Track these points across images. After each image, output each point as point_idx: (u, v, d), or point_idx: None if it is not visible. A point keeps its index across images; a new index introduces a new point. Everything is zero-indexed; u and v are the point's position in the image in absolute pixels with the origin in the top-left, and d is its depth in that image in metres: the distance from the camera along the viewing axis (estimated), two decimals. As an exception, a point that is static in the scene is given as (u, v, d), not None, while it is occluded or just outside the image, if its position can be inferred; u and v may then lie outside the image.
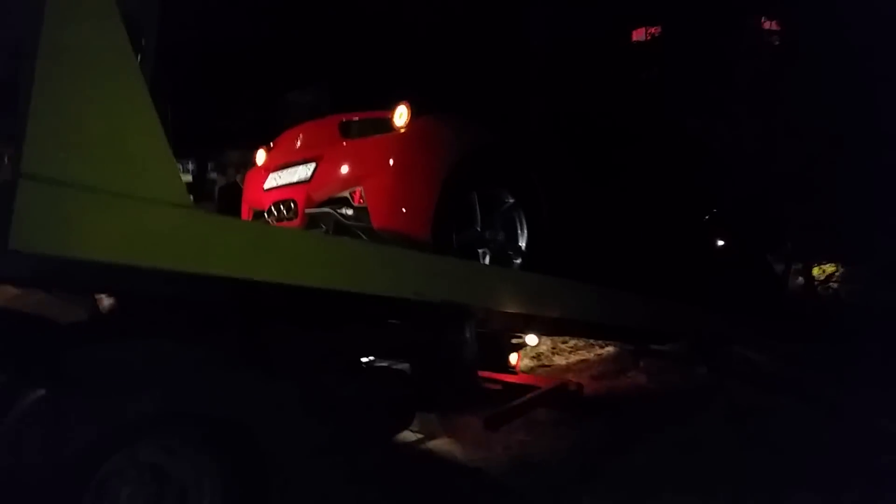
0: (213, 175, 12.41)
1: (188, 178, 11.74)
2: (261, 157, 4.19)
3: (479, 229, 3.62)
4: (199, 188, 11.40)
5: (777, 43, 7.82)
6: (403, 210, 3.39)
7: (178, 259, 2.22)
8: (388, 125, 3.51)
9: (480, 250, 3.64)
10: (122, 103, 2.11)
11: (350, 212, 3.48)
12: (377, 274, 2.78)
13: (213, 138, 11.17)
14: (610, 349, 6.79)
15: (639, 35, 8.63)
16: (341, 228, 3.55)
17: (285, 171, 3.78)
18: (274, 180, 3.83)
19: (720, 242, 4.98)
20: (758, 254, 5.39)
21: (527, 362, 6.77)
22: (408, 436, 4.23)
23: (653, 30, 8.43)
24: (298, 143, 3.90)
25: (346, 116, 3.73)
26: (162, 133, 2.18)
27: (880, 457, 4.25)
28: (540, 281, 3.48)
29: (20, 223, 1.82)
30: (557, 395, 4.62)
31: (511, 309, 3.35)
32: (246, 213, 4.05)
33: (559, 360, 6.93)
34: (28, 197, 1.84)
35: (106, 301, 2.77)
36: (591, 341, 6.89)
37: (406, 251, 2.97)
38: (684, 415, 5.16)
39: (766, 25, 8.30)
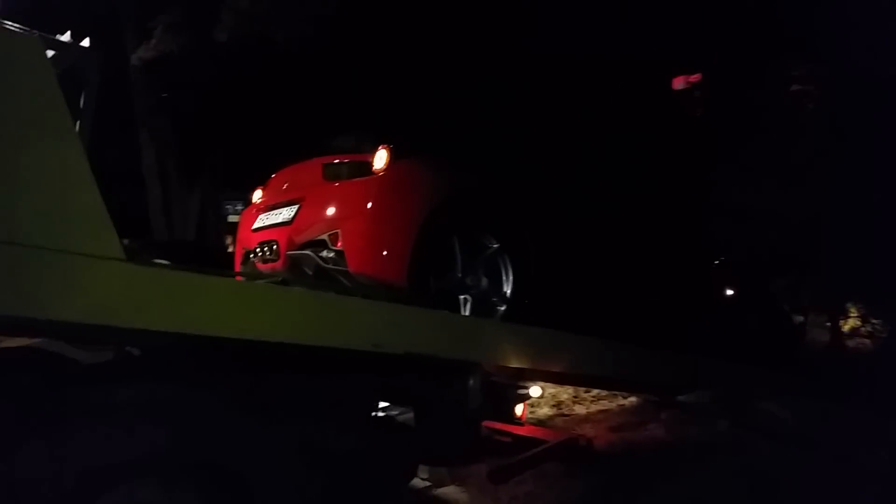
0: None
1: (236, 218, 12.06)
2: (257, 196, 4.21)
3: (459, 275, 3.52)
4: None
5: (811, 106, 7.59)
6: (378, 254, 3.34)
7: (112, 314, 2.21)
8: (368, 168, 3.48)
9: (461, 297, 3.54)
10: (55, 160, 2.13)
11: (329, 255, 3.45)
12: (331, 325, 2.71)
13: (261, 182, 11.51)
14: (633, 399, 6.62)
15: (679, 83, 8.47)
16: (322, 272, 3.52)
17: (272, 212, 3.78)
18: (261, 221, 3.84)
19: (729, 291, 4.72)
20: (771, 302, 5.08)
21: (546, 410, 6.74)
22: (416, 483, 4.19)
23: (693, 78, 8.27)
24: (285, 185, 3.91)
25: (330, 159, 3.71)
26: (95, 188, 2.19)
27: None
28: (508, 330, 3.34)
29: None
30: (566, 449, 4.51)
31: (481, 359, 3.23)
32: (238, 253, 4.06)
33: (579, 410, 6.82)
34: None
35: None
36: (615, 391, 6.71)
37: (362, 301, 2.89)
38: (699, 469, 4.94)
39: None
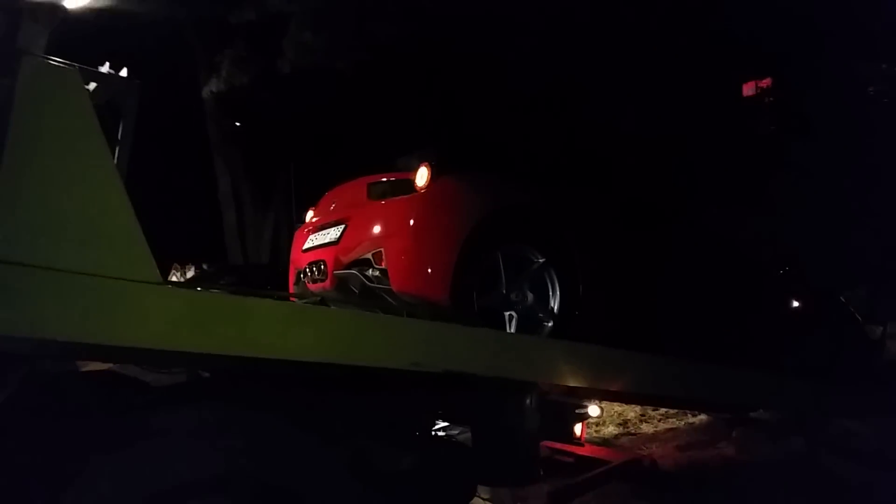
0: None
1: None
2: (309, 216, 4.29)
3: (504, 291, 3.48)
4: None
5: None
6: (421, 272, 3.33)
7: (146, 336, 2.29)
8: (410, 186, 3.49)
9: (506, 313, 3.49)
10: (91, 186, 2.23)
11: (374, 273, 3.47)
12: (369, 345, 2.72)
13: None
14: (703, 417, 6.36)
15: (749, 88, 8.19)
16: (367, 291, 3.55)
17: (320, 233, 3.85)
18: (311, 241, 3.91)
19: (795, 303, 4.46)
20: (845, 313, 4.76)
21: (611, 429, 6.61)
22: (476, 502, 4.14)
23: (763, 83, 7.98)
24: (332, 205, 3.97)
25: (374, 178, 3.75)
26: (131, 213, 2.28)
27: None
28: (551, 347, 3.26)
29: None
30: (630, 470, 4.39)
31: (524, 377, 3.16)
32: (291, 274, 4.14)
33: (646, 428, 6.62)
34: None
35: None
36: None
37: (400, 319, 2.90)
38: (770, 490, 4.69)
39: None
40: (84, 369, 3.27)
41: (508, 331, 3.46)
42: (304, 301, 3.51)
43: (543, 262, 3.57)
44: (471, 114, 8.63)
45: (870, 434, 4.84)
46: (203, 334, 2.37)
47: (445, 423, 3.80)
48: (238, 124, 13.21)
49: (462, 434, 3.70)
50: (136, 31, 11.91)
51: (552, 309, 3.58)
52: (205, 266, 12.40)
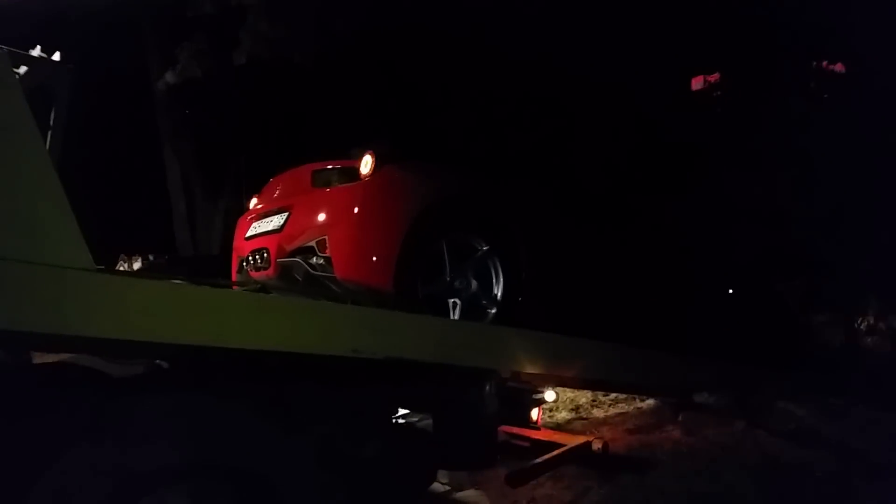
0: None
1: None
2: (253, 204, 4.24)
3: (448, 279, 3.50)
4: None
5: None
6: (364, 260, 3.34)
7: (81, 323, 2.24)
8: (354, 174, 3.48)
9: (450, 300, 3.51)
10: (21, 172, 2.17)
11: (318, 261, 3.46)
12: (307, 332, 2.70)
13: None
14: (650, 402, 6.59)
15: (697, 82, 8.38)
16: (311, 279, 3.53)
17: (263, 220, 3.81)
18: (254, 228, 3.87)
19: (728, 291, 4.59)
20: (777, 301, 4.91)
21: (564, 414, 6.79)
22: (436, 487, 4.25)
23: (711, 78, 8.17)
24: (276, 192, 3.93)
25: (319, 165, 3.72)
26: (63, 199, 2.22)
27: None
28: (493, 333, 3.30)
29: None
30: (582, 452, 4.52)
31: (468, 363, 3.18)
32: (234, 261, 4.09)
33: (598, 413, 6.82)
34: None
35: None
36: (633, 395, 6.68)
37: (338, 306, 2.90)
38: (714, 470, 4.88)
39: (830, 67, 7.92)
40: (37, 361, 3.22)
41: (452, 318, 3.49)
42: (244, 289, 3.48)
43: (487, 249, 3.60)
44: (423, 105, 8.65)
45: (807, 416, 5.04)
46: (134, 322, 2.32)
47: (406, 411, 3.85)
48: (188, 112, 12.95)
49: (422, 421, 3.74)
50: (85, 19, 11.65)
51: (496, 296, 3.62)
52: (151, 257, 12.17)
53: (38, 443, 2.33)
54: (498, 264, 3.62)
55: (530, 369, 3.35)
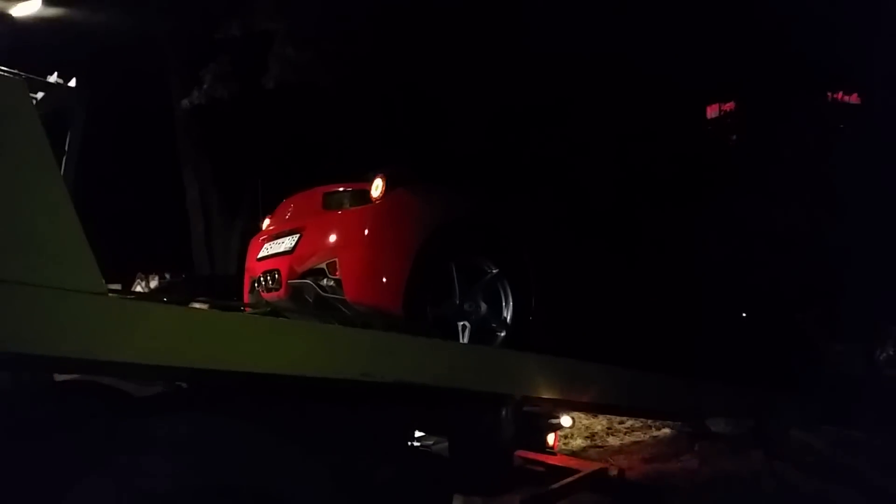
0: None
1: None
2: (265, 225, 4.27)
3: (457, 301, 3.49)
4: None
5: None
6: (374, 282, 3.35)
7: (93, 347, 2.25)
8: (365, 197, 3.50)
9: (460, 323, 3.50)
10: (36, 197, 2.21)
11: (329, 283, 3.47)
12: (317, 355, 2.70)
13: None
14: (667, 431, 6.56)
15: (713, 111, 8.42)
16: (322, 301, 3.54)
17: (275, 241, 3.83)
18: (266, 250, 3.89)
19: (745, 317, 4.52)
20: (795, 330, 4.83)
21: (579, 442, 6.75)
22: None
23: (726, 106, 8.19)
24: (288, 214, 3.95)
25: (330, 187, 3.75)
26: (76, 224, 2.25)
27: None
28: (503, 357, 3.28)
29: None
30: (597, 480, 4.48)
31: (479, 387, 3.16)
32: (246, 283, 4.11)
33: (613, 441, 6.79)
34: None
35: None
36: (649, 423, 6.65)
37: (349, 329, 2.89)
38: (730, 501, 4.79)
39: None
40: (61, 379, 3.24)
41: (462, 341, 3.48)
42: (254, 311, 3.49)
43: (497, 272, 3.59)
44: (440, 128, 8.72)
45: (824, 447, 4.94)
46: (145, 345, 2.33)
47: (422, 434, 3.85)
48: (207, 135, 13.13)
49: (437, 444, 3.78)
50: (106, 41, 11.89)
51: (505, 319, 3.60)
52: (167, 275, 12.26)
53: (54, 463, 2.34)
54: (507, 287, 3.61)
55: (541, 394, 3.32)
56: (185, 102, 11.25)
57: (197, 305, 4.50)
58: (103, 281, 2.32)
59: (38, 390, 3.04)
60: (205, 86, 10.73)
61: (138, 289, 12.13)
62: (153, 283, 11.96)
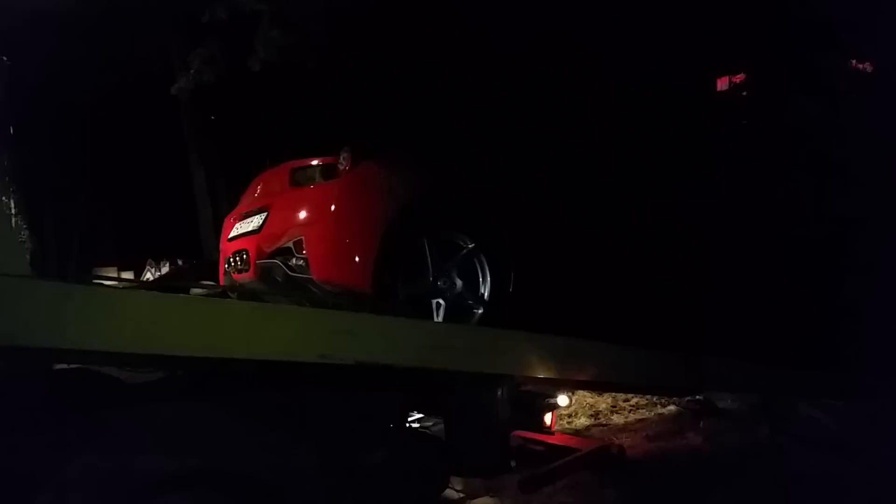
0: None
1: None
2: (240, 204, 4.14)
3: (430, 278, 3.33)
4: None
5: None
6: (341, 260, 3.20)
7: (22, 332, 2.14)
8: (332, 171, 3.35)
9: (434, 301, 3.35)
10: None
11: (297, 262, 3.33)
12: (269, 337, 2.56)
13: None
14: (671, 408, 6.38)
15: (723, 83, 8.08)
16: (291, 281, 3.41)
17: (244, 221, 3.70)
18: (236, 229, 3.76)
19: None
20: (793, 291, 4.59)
21: (583, 420, 6.59)
22: (450, 494, 4.11)
23: (736, 78, 7.85)
24: (257, 192, 3.82)
25: (298, 163, 3.59)
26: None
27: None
28: (475, 335, 3.12)
29: None
30: (598, 458, 4.40)
31: (451, 367, 3.00)
32: (221, 264, 3.99)
33: (617, 419, 6.61)
34: None
35: None
36: (654, 400, 6.50)
37: (304, 310, 2.76)
38: (734, 477, 4.63)
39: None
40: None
41: (436, 319, 3.33)
42: (203, 293, 3.37)
43: (473, 247, 3.43)
44: (423, 98, 8.58)
45: (831, 423, 4.77)
46: (80, 329, 2.21)
47: (419, 415, 3.81)
48: (213, 118, 13.07)
49: (436, 425, 3.73)
50: (111, 26, 11.83)
51: (482, 295, 3.44)
52: (180, 262, 12.26)
53: (43, 449, 2.32)
54: (484, 262, 3.44)
55: (513, 371, 3.17)
56: (176, 87, 11.23)
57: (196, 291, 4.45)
58: (26, 262, 2.20)
59: (26, 377, 2.98)
60: (192, 70, 10.74)
61: (148, 276, 12.18)
62: (164, 269, 11.98)
